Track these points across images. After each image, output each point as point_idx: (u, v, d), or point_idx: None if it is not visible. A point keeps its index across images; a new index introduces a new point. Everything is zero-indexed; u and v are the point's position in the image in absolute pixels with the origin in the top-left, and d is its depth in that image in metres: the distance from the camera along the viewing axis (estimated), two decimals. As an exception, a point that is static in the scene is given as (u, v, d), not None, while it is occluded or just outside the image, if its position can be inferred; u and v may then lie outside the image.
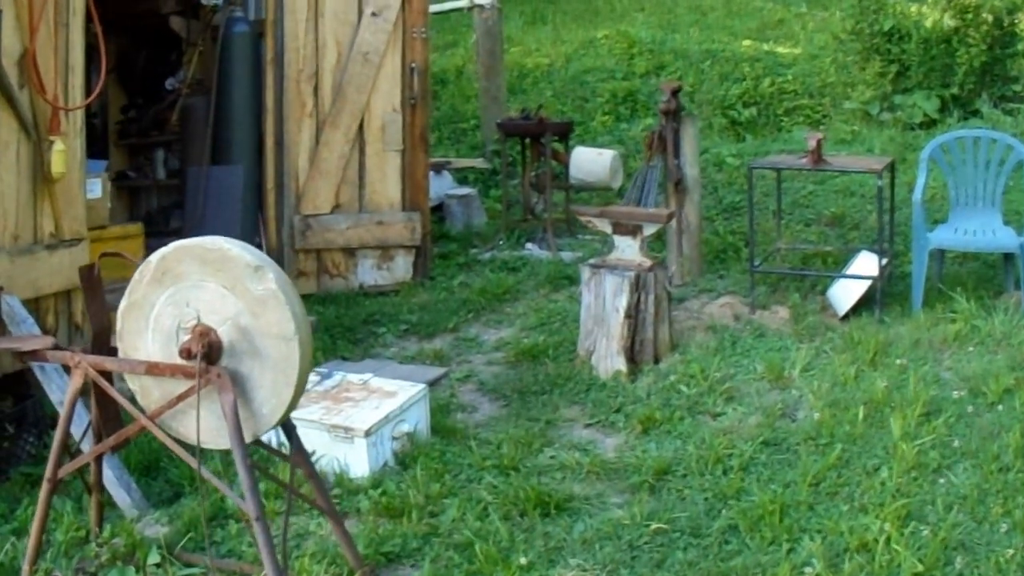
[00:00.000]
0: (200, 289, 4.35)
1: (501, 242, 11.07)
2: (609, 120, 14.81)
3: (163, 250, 4.43)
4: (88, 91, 7.21)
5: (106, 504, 5.58)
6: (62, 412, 4.87)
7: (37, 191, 6.68)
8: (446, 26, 18.63)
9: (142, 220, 10.12)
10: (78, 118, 7.09)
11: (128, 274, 4.58)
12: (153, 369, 4.49)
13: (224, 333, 4.35)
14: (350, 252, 9.74)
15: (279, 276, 4.34)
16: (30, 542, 4.83)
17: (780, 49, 16.82)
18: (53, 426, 5.82)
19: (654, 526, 5.39)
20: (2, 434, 6.46)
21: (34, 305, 6.56)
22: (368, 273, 9.83)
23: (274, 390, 4.37)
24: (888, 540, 5.06)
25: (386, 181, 9.80)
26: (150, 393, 4.58)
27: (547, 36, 18.77)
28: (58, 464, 4.77)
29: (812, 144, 8.58)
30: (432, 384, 7.39)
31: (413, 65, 9.81)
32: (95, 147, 9.67)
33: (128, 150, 11.09)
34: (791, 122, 14.67)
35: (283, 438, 4.95)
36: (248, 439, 4.41)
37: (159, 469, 6.28)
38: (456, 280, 9.99)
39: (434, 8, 12.85)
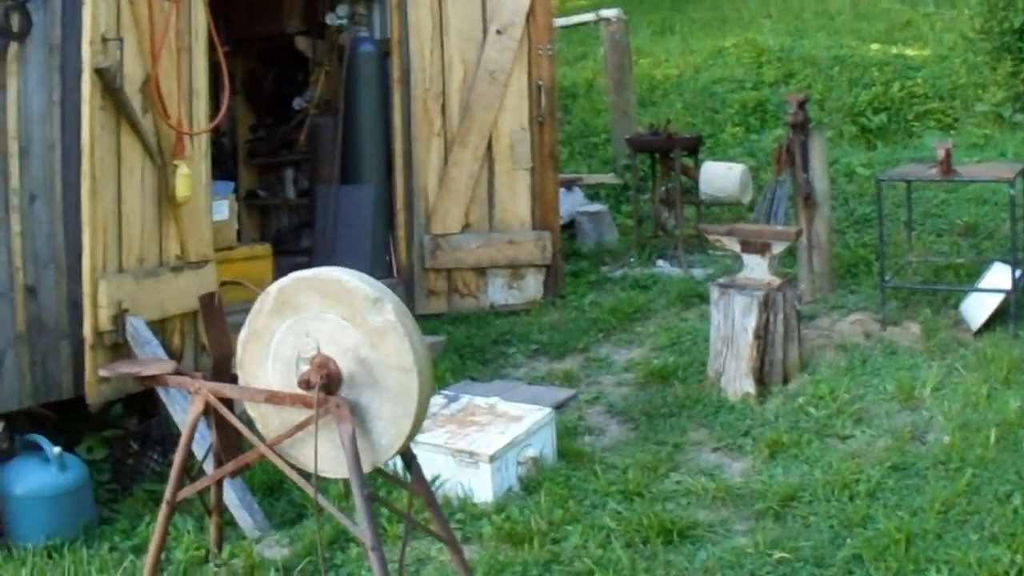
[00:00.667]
0: (320, 320, 4.34)
1: (632, 259, 10.95)
2: (739, 131, 14.58)
3: (282, 281, 4.44)
4: (214, 114, 7.30)
5: (227, 524, 5.62)
6: (183, 435, 4.91)
7: (162, 214, 6.77)
8: (575, 38, 18.56)
9: (272, 239, 10.26)
10: (203, 142, 7.17)
11: (254, 296, 4.60)
12: (273, 398, 4.49)
13: (343, 364, 4.33)
14: (480, 271, 9.69)
15: (398, 307, 4.31)
16: (148, 561, 4.86)
17: (909, 51, 16.39)
18: (177, 444, 5.91)
19: (777, 555, 5.24)
20: (127, 451, 6.56)
21: (160, 326, 6.63)
22: (498, 292, 9.78)
23: (393, 421, 4.34)
24: (1020, 573, 4.84)
25: (516, 200, 9.75)
26: (269, 421, 4.59)
27: (675, 46, 18.58)
28: (177, 487, 4.81)
29: (940, 155, 8.31)
30: (560, 406, 7.34)
31: (540, 82, 9.75)
32: (224, 167, 9.82)
33: (257, 169, 11.22)
34: (922, 127, 14.25)
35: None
36: (366, 468, 4.38)
37: (282, 490, 6.30)
38: (587, 299, 9.89)
39: (561, 22, 12.80)
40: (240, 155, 11.01)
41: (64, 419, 6.56)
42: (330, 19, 10.30)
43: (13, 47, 6.07)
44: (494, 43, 9.58)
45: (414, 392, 4.28)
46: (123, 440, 6.58)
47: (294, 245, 10.20)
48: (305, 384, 4.30)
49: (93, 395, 6.20)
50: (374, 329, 4.25)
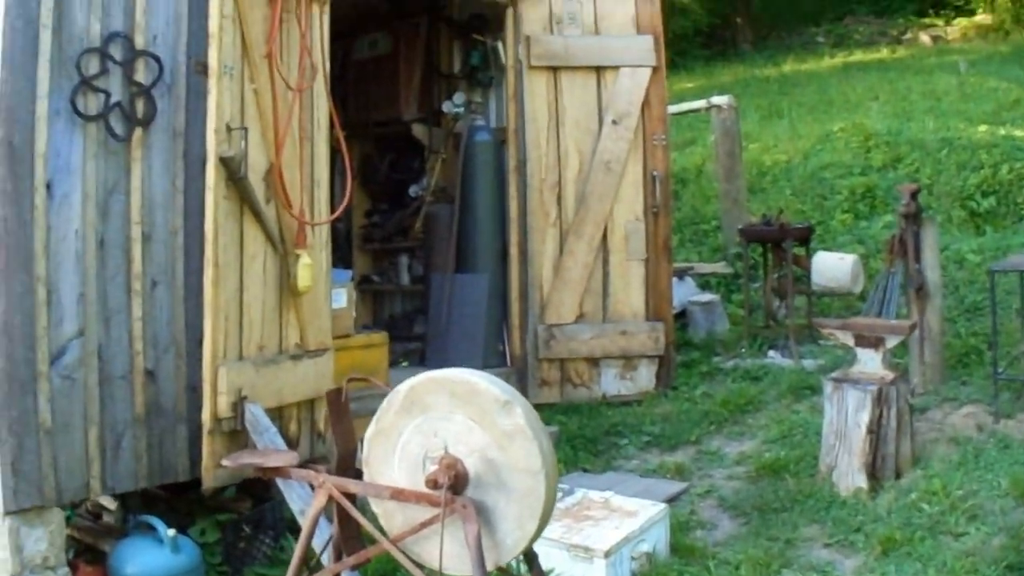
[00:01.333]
0: (448, 420, 4.31)
1: (743, 349, 10.79)
2: (848, 218, 14.36)
3: (412, 381, 4.41)
4: (333, 201, 7.29)
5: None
6: (304, 527, 4.87)
7: (283, 303, 6.74)
8: (683, 123, 18.51)
9: (385, 324, 10.27)
10: (323, 231, 7.16)
11: (372, 385, 4.54)
12: (398, 495, 4.45)
13: (470, 464, 4.27)
14: (593, 362, 9.59)
15: (527, 411, 4.25)
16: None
17: (1017, 132, 16.00)
18: (290, 530, 5.85)
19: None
20: (239, 534, 6.48)
21: (277, 413, 6.58)
22: (611, 383, 9.66)
23: (519, 522, 4.25)
24: None
25: (629, 290, 9.68)
26: (393, 517, 4.54)
27: (783, 130, 18.42)
28: (297, 578, 4.75)
29: (1051, 243, 8.11)
30: (672, 500, 7.22)
31: (655, 173, 9.71)
32: (338, 252, 9.83)
33: (371, 255, 11.28)
34: (1032, 210, 13.96)
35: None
36: (490, 567, 4.31)
37: (398, 580, 6.21)
38: (699, 390, 9.74)
39: (671, 109, 12.74)
40: (354, 240, 11.04)
41: (177, 500, 6.54)
42: (447, 107, 10.41)
43: (138, 133, 6.13)
44: (609, 133, 9.57)
45: (541, 494, 4.21)
46: (236, 523, 6.51)
47: (407, 331, 10.18)
48: (432, 483, 4.25)
49: (209, 479, 6.15)
50: (503, 432, 4.20)
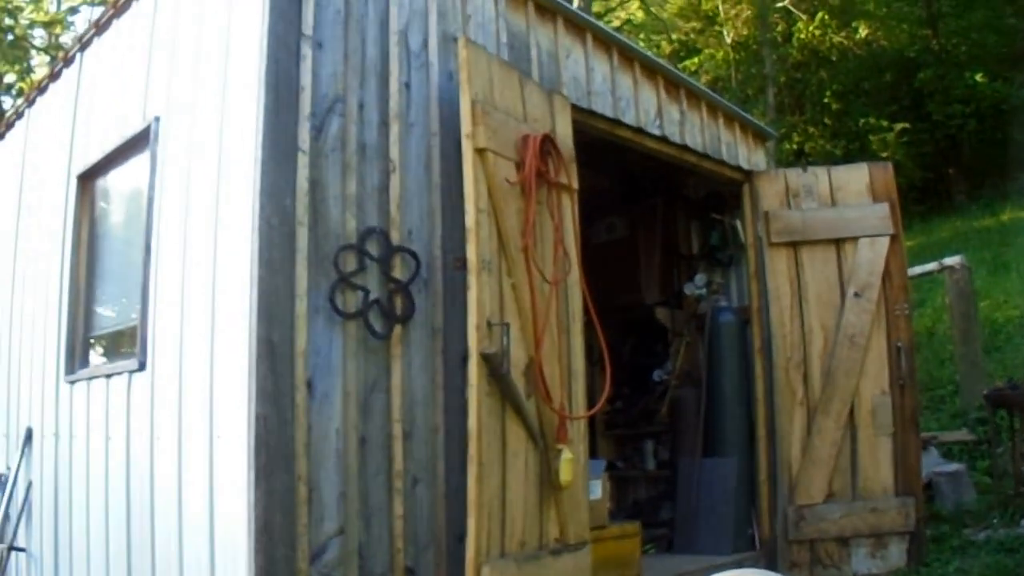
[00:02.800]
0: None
1: (995, 520, 10.00)
2: (1096, 372, 13.42)
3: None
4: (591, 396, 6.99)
5: None
6: None
7: (543, 497, 6.42)
8: (911, 285, 17.78)
9: (629, 510, 9.87)
10: (581, 424, 6.87)
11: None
12: None
13: None
14: (843, 541, 8.96)
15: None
16: None
17: None
18: None
19: None
20: None
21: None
22: (861, 562, 8.99)
23: None
24: None
25: (878, 466, 9.05)
26: None
27: (1013, 284, 17.52)
28: None
29: None
30: None
31: (899, 344, 9.14)
32: (581, 439, 9.58)
33: (614, 440, 10.92)
34: None
35: None
36: None
37: None
38: (952, 566, 8.97)
39: (903, 273, 12.17)
40: (597, 426, 10.69)
41: None
42: (689, 289, 10.14)
43: (397, 330, 6.01)
44: (852, 306, 9.12)
45: None
46: None
47: (653, 518, 9.72)
48: None
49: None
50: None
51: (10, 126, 10.62)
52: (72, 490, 7.55)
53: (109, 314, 7.86)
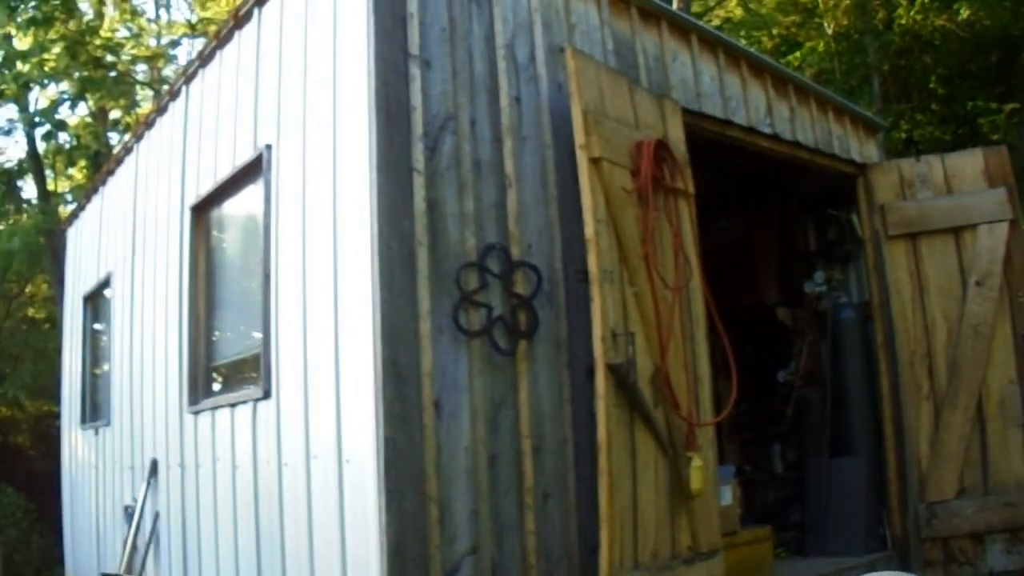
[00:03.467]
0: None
1: None
2: None
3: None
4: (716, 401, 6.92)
5: None
6: None
7: (674, 506, 6.35)
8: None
9: (758, 513, 9.73)
10: (709, 430, 6.82)
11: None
12: None
13: None
14: (977, 537, 8.71)
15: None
16: None
17: None
18: None
19: None
20: None
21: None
22: (997, 558, 8.72)
23: None
24: None
25: (1009, 459, 8.77)
26: None
27: None
28: None
29: None
30: None
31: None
32: (707, 445, 9.48)
33: (740, 444, 10.78)
34: None
35: None
36: None
37: None
38: (1090, 559, 8.74)
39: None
40: (723, 430, 10.57)
41: None
42: (808, 287, 10.00)
43: (522, 345, 5.99)
44: (975, 296, 8.88)
45: None
46: None
47: (782, 520, 9.58)
48: None
49: None
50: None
51: (120, 161, 10.81)
52: (200, 520, 7.64)
53: (231, 343, 7.94)
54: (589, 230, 5.97)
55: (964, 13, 21.11)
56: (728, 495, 7.53)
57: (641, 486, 6.06)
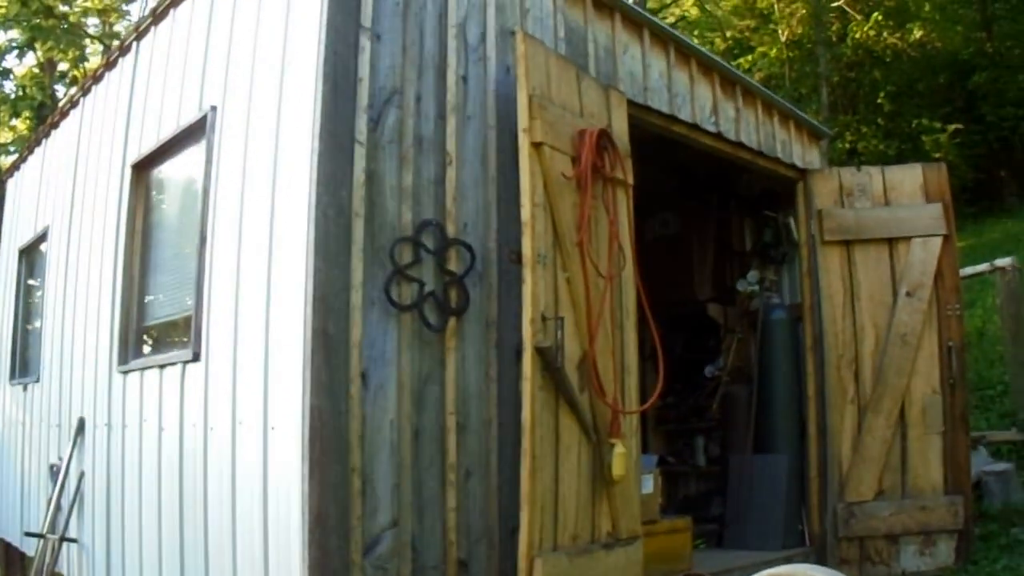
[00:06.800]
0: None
1: (1042, 520, 9.91)
2: None
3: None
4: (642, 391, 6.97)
5: None
6: None
7: (596, 491, 6.39)
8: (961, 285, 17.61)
9: (679, 505, 9.86)
10: (634, 419, 6.86)
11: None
12: None
13: None
14: (892, 539, 8.92)
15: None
16: None
17: None
18: None
19: None
20: None
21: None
22: (910, 560, 8.96)
23: None
24: None
25: (928, 465, 9.00)
26: None
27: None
28: None
29: None
30: None
31: (950, 343, 9.11)
32: (630, 434, 9.56)
33: (665, 435, 10.91)
34: None
35: None
36: None
37: None
38: (999, 563, 8.94)
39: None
40: (648, 421, 10.66)
41: None
42: (741, 285, 10.13)
43: (452, 322, 6.00)
44: (904, 306, 9.08)
45: None
46: None
47: (703, 513, 9.69)
48: None
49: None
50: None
51: (65, 115, 10.69)
52: (125, 481, 7.60)
53: (163, 304, 7.89)
54: (526, 213, 5.99)
55: (917, 33, 21.42)
56: (650, 484, 7.58)
57: (563, 470, 6.08)
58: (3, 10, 17.67)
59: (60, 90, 20.47)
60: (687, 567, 7.69)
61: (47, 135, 11.32)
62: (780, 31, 21.49)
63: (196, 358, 6.55)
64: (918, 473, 8.97)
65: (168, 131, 7.53)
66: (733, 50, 22.29)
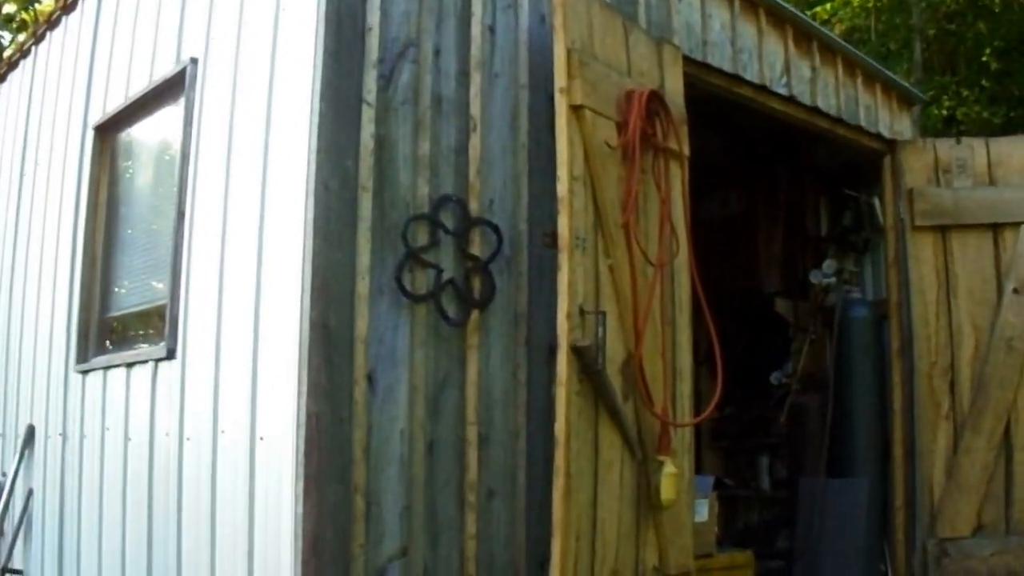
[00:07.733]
0: None
1: None
2: None
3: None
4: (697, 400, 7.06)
5: None
6: None
7: (640, 518, 6.44)
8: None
9: (738, 536, 9.89)
10: (687, 433, 6.92)
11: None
12: None
13: None
14: (996, 583, 8.95)
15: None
16: None
17: None
18: None
19: None
20: None
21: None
22: (1017, 610, 8.99)
23: None
24: None
25: (1038, 494, 9.02)
26: None
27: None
28: None
29: None
30: None
31: (1055, 350, 9.09)
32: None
33: (723, 453, 10.94)
34: None
35: None
36: None
37: None
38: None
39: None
40: (702, 434, 10.72)
41: None
42: (815, 277, 10.08)
43: (474, 316, 6.06)
44: (1011, 305, 9.09)
45: None
46: None
47: (767, 546, 9.73)
48: None
49: None
50: None
51: (13, 66, 10.72)
52: (82, 500, 7.69)
53: (131, 292, 7.98)
54: (563, 188, 6.00)
55: (1033, -22, 21.14)
56: (704, 511, 7.64)
57: (603, 491, 6.14)
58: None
59: (6, 37, 20.53)
60: (747, 611, 7.79)
61: (-8, 89, 11.39)
62: (866, -26, 21.32)
63: (170, 355, 6.64)
64: (1026, 506, 9.02)
65: (139, 87, 7.60)
66: (809, -2, 22.15)
